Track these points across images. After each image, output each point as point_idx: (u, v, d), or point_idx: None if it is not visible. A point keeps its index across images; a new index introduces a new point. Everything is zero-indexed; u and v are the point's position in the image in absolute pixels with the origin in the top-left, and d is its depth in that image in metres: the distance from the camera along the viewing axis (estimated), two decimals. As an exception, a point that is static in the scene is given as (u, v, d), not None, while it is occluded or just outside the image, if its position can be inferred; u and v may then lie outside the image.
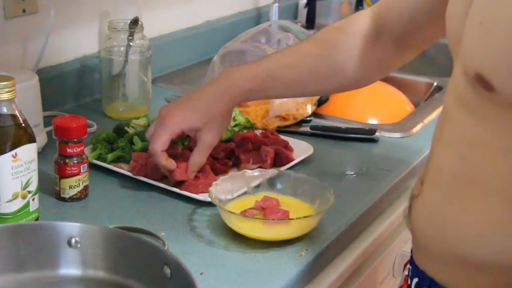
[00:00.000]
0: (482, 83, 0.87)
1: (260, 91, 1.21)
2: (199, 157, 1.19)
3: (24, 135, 1.02)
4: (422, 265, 1.03)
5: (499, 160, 0.89)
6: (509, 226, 0.90)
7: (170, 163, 1.17)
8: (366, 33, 1.20)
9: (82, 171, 1.15)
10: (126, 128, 1.34)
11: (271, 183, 1.18)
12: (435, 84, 1.87)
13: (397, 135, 1.48)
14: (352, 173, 1.32)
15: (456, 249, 0.95)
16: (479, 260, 0.93)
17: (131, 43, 1.50)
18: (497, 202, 0.90)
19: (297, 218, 1.08)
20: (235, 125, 1.40)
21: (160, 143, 1.16)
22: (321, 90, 1.32)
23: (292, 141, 1.36)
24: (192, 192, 1.17)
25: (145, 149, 1.26)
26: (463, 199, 0.94)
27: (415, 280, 1.05)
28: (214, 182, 1.14)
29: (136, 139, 1.29)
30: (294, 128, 1.48)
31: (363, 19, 1.22)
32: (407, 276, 1.10)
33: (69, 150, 1.14)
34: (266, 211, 1.09)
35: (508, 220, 0.90)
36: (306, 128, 1.48)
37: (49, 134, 1.31)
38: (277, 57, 1.24)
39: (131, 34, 1.49)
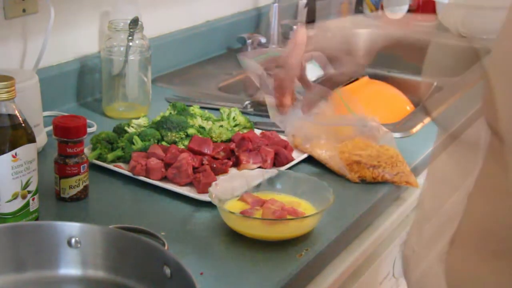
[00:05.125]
0: None
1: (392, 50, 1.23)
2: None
3: (24, 135, 1.02)
4: None
5: (465, 202, 0.80)
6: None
7: None
8: None
9: (82, 171, 1.15)
10: (126, 128, 1.34)
11: (271, 183, 1.18)
12: (435, 84, 1.87)
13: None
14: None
15: None
16: None
17: (131, 43, 1.50)
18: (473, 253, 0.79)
19: (297, 218, 1.08)
20: (235, 125, 1.40)
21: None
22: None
23: (292, 141, 1.36)
24: (192, 192, 1.17)
25: (145, 149, 1.27)
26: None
27: None
28: (214, 182, 1.14)
29: (136, 139, 1.29)
30: (294, 128, 1.48)
31: None
32: None
33: (69, 150, 1.14)
34: (264, 210, 1.09)
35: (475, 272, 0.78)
36: (306, 128, 1.47)
37: (49, 134, 1.31)
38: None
39: (131, 34, 1.49)
